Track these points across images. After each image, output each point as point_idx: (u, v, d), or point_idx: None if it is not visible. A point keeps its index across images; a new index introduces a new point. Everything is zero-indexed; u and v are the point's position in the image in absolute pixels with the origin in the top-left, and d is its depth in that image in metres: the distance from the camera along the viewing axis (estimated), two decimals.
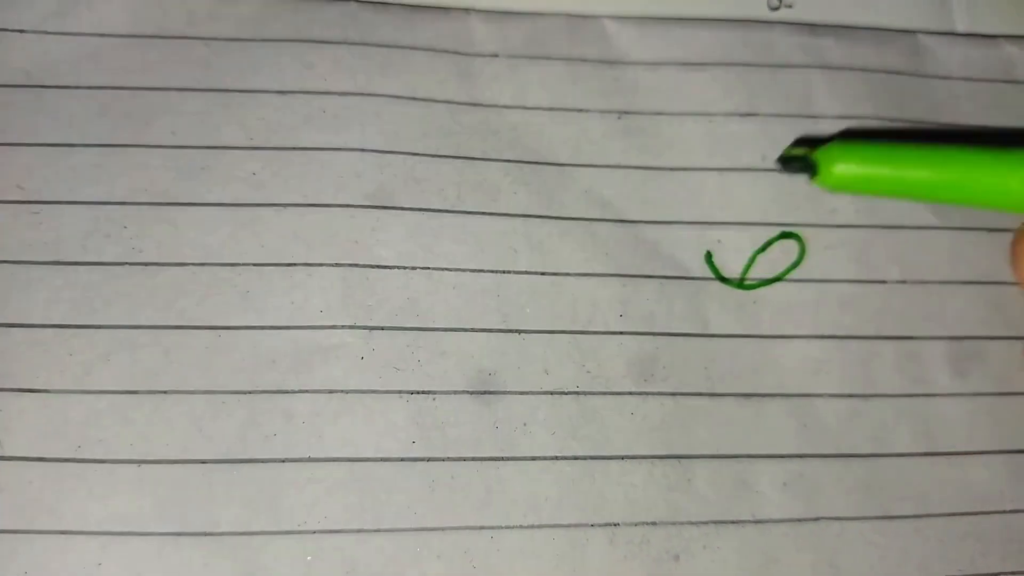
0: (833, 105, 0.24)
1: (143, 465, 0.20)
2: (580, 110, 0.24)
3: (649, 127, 0.24)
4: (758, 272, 0.23)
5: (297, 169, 0.22)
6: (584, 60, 0.24)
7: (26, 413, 0.20)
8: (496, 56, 0.24)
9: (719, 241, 0.23)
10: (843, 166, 0.20)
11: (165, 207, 0.22)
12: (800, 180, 0.23)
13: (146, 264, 0.21)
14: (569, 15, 0.24)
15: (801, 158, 0.22)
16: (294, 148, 0.22)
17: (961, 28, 0.26)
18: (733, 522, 0.21)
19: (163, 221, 0.21)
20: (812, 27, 0.25)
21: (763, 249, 0.23)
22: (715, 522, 0.21)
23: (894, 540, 0.21)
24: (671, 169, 0.23)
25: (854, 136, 0.23)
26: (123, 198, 0.22)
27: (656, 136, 0.24)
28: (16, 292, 0.21)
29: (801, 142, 0.22)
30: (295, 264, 0.21)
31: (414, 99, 0.23)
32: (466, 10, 0.24)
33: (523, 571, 0.20)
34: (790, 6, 0.26)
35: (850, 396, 0.22)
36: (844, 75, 0.25)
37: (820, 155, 0.21)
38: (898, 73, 0.25)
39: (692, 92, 0.24)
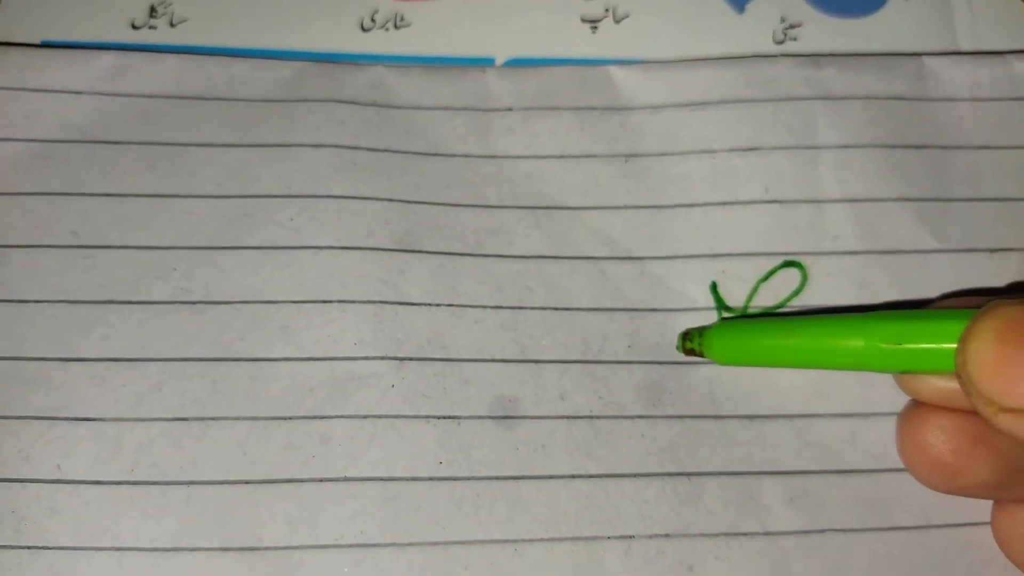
0: (834, 135, 0.25)
1: (192, 486, 0.21)
2: (588, 156, 0.25)
3: (654, 167, 0.25)
4: (761, 301, 0.24)
5: (331, 215, 0.24)
6: (592, 108, 0.26)
7: (84, 440, 0.21)
8: (510, 110, 0.26)
9: (723, 271, 0.24)
10: (721, 343, 0.22)
11: (210, 251, 0.23)
12: (802, 210, 0.25)
13: (194, 303, 0.23)
14: (577, 66, 0.26)
15: (691, 348, 0.23)
16: (328, 196, 0.24)
17: (965, 46, 0.27)
18: (744, 534, 0.22)
19: (209, 263, 0.23)
20: (815, 59, 0.26)
21: (766, 278, 0.24)
22: (726, 534, 0.22)
23: (898, 550, 0.22)
24: (675, 206, 0.25)
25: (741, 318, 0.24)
26: (171, 243, 0.23)
27: (661, 176, 0.25)
28: (73, 329, 0.22)
29: (689, 332, 0.23)
30: (330, 301, 0.23)
31: (436, 155, 0.25)
32: (483, 69, 0.26)
33: None
34: (795, 39, 0.27)
35: (850, 416, 0.23)
36: (846, 105, 0.26)
37: (705, 336, 0.23)
38: (902, 99, 0.26)
39: (695, 131, 0.26)
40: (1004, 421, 0.17)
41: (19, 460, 0.21)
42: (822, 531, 0.22)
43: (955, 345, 0.18)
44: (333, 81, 0.26)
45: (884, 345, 0.19)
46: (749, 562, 0.22)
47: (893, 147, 0.25)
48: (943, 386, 0.20)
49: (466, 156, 0.25)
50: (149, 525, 0.21)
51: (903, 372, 0.20)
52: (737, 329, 0.22)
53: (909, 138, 0.26)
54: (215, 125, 0.25)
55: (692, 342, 0.23)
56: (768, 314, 0.24)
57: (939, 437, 0.21)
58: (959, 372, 0.18)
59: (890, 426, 0.23)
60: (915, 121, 0.26)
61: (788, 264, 0.24)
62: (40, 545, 0.20)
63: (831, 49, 0.27)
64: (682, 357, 0.24)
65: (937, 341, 0.19)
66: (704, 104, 0.26)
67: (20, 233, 0.23)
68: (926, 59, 0.27)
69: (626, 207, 0.25)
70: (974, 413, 0.20)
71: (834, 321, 0.21)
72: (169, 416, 0.22)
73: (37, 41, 0.26)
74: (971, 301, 0.18)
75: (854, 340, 0.20)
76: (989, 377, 0.17)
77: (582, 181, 0.25)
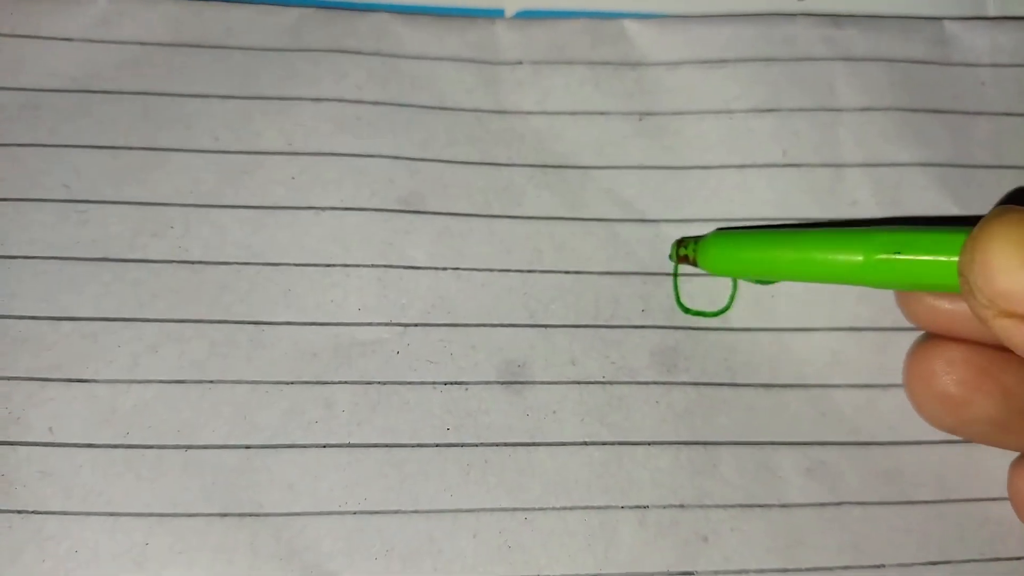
0: (855, 98, 0.25)
1: (189, 450, 0.20)
2: (602, 113, 0.24)
3: (670, 126, 0.24)
4: None
5: (334, 174, 0.23)
6: (606, 63, 0.25)
7: (76, 402, 0.21)
8: (520, 63, 0.25)
9: None
10: (716, 251, 0.22)
11: (209, 208, 0.23)
12: (821, 174, 0.24)
13: (192, 262, 0.22)
14: (591, 19, 0.25)
15: (685, 255, 0.23)
16: (331, 154, 0.23)
17: (993, 11, 0.26)
18: (759, 506, 0.21)
19: (208, 222, 0.22)
20: (835, 18, 0.26)
21: None
22: (741, 505, 0.21)
23: (915, 524, 0.22)
24: (691, 167, 0.24)
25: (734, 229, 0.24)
26: (168, 199, 0.23)
27: (676, 135, 0.24)
28: (65, 287, 0.21)
29: (684, 239, 0.23)
30: (333, 264, 0.22)
31: (443, 109, 0.24)
32: (492, 20, 0.25)
33: (556, 550, 0.20)
34: None
35: (867, 386, 0.23)
36: (867, 67, 0.25)
37: (700, 244, 0.22)
38: (922, 62, 0.25)
39: (712, 90, 0.25)
40: (1003, 326, 0.17)
41: (9, 422, 0.20)
42: (838, 504, 0.22)
43: (956, 258, 0.18)
44: (336, 29, 0.25)
45: (882, 256, 0.19)
46: (764, 534, 0.21)
47: (914, 111, 0.25)
48: (945, 308, 0.20)
49: (475, 111, 0.24)
50: (144, 489, 0.20)
51: (902, 288, 0.20)
52: (733, 239, 0.22)
53: (930, 102, 0.25)
54: (212, 75, 0.24)
55: (686, 249, 0.23)
56: (765, 226, 0.24)
57: (944, 368, 0.20)
58: (962, 272, 0.17)
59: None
60: (936, 85, 0.25)
61: None
62: (31, 509, 0.20)
63: (853, 9, 0.26)
64: (698, 322, 0.23)
65: (938, 252, 0.18)
66: (722, 62, 0.25)
67: (9, 186, 0.22)
68: (946, 23, 0.26)
69: (641, 167, 0.24)
70: (981, 345, 0.20)
71: (833, 233, 0.20)
72: (166, 379, 0.21)
73: None
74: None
75: (852, 252, 0.19)
76: (992, 278, 0.16)
77: (595, 139, 0.24)
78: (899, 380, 0.23)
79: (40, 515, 0.20)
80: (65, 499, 0.20)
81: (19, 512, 0.20)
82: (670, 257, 0.23)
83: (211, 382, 0.21)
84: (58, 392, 0.21)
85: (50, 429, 0.20)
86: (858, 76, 0.25)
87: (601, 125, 0.24)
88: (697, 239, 0.23)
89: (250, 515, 0.20)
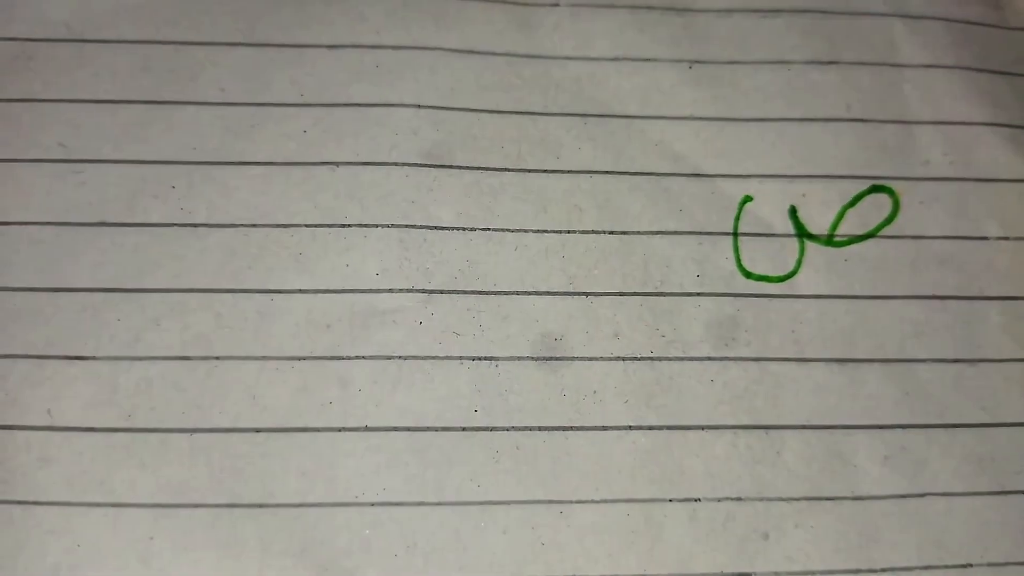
0: (918, 54, 0.23)
1: (195, 434, 0.19)
2: (648, 59, 0.22)
3: (723, 76, 0.22)
4: (848, 228, 0.21)
5: (350, 126, 0.21)
6: (650, 8, 0.23)
7: (75, 381, 0.19)
8: (557, 5, 0.23)
9: (803, 195, 0.21)
10: None
11: (214, 166, 0.21)
12: (888, 131, 0.22)
13: (196, 225, 0.20)
14: None
15: None
16: (346, 104, 0.21)
17: None
18: (829, 498, 0.19)
19: (212, 181, 0.21)
20: None
21: (853, 203, 0.21)
22: (808, 498, 0.19)
23: (1009, 517, 0.19)
24: (748, 120, 0.22)
25: None
26: (170, 157, 0.21)
27: (731, 86, 0.22)
28: (62, 255, 0.20)
29: None
30: (350, 225, 0.21)
31: (471, 52, 0.22)
32: None
33: (596, 549, 0.19)
34: None
35: (955, 361, 0.20)
36: (926, 24, 0.23)
37: None
38: (980, 24, 0.24)
39: (767, 40, 0.23)
40: None
41: (6, 404, 0.19)
42: (921, 495, 0.20)
43: None
44: None
45: None
46: (833, 530, 0.19)
47: (980, 71, 0.23)
48: None
49: (506, 55, 0.22)
50: (148, 478, 0.19)
51: None
52: None
53: (994, 64, 0.23)
54: (216, 21, 0.22)
55: None
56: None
57: None
58: None
59: (1001, 373, 0.21)
60: (997, 48, 0.24)
61: (876, 189, 0.22)
62: (31, 500, 0.18)
63: None
64: (760, 288, 0.21)
65: None
66: (776, 12, 0.23)
67: (1, 146, 0.21)
68: None
69: (692, 118, 0.22)
70: None
71: None
72: (170, 355, 0.19)
73: None
74: None
75: None
76: None
77: (641, 87, 0.22)
78: (991, 355, 0.21)
79: (41, 506, 0.18)
80: (66, 489, 0.18)
81: (19, 503, 0.18)
82: None
83: (217, 358, 0.19)
84: (56, 370, 0.19)
85: (48, 411, 0.19)
86: (918, 33, 0.23)
87: (647, 72, 0.22)
88: None
89: (260, 506, 0.18)
